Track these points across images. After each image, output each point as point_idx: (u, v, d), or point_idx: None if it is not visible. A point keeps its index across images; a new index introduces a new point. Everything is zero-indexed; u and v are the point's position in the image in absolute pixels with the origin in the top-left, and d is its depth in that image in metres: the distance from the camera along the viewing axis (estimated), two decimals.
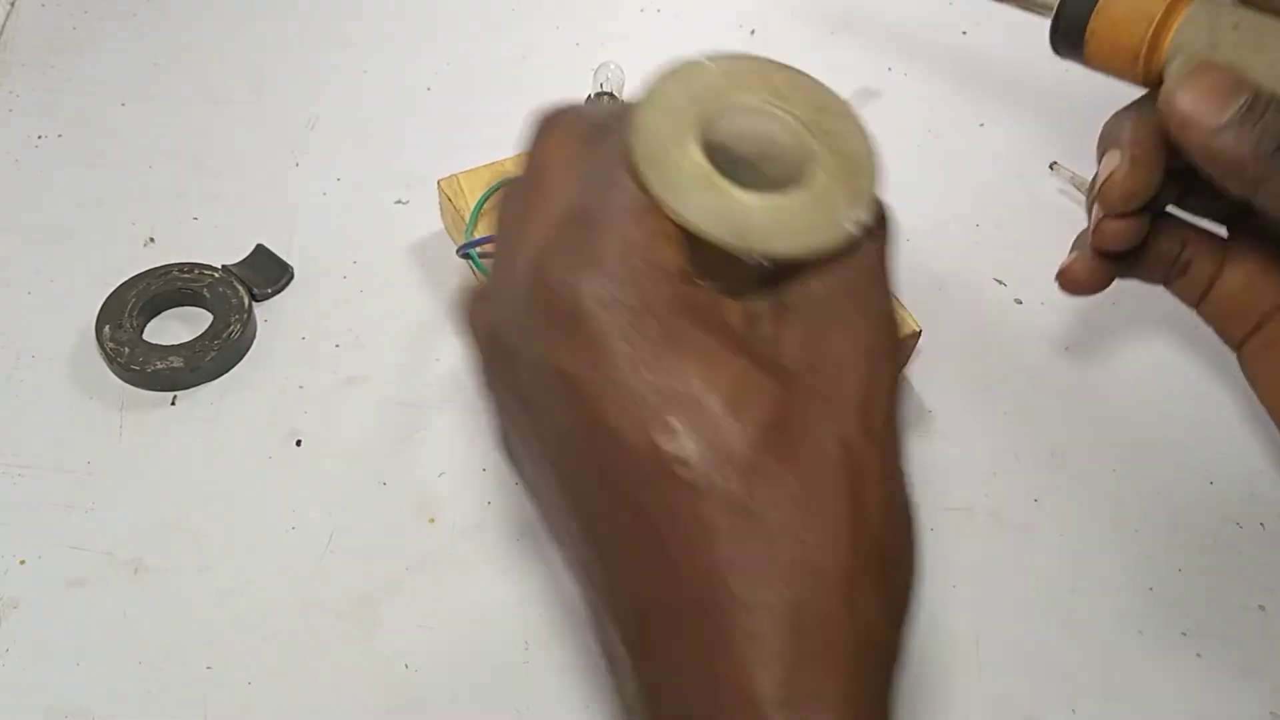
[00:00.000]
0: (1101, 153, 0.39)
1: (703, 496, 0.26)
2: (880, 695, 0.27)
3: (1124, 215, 0.38)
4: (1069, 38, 0.39)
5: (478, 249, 0.49)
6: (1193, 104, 0.34)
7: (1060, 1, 0.39)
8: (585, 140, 0.30)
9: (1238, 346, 0.41)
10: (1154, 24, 0.37)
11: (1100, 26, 0.38)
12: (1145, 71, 0.37)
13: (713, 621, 0.26)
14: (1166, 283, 0.42)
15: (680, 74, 0.30)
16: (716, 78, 0.31)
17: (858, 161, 0.30)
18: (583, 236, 0.28)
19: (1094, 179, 0.39)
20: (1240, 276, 0.41)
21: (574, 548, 0.29)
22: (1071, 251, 0.41)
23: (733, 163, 0.29)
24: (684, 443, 0.26)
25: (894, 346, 0.29)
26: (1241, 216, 0.41)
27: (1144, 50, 0.37)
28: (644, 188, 0.28)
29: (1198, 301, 0.42)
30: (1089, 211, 0.40)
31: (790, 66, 0.31)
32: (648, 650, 0.27)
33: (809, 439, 0.27)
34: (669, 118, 0.29)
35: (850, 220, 0.29)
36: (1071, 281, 0.41)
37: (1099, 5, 0.38)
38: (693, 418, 0.26)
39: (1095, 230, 0.39)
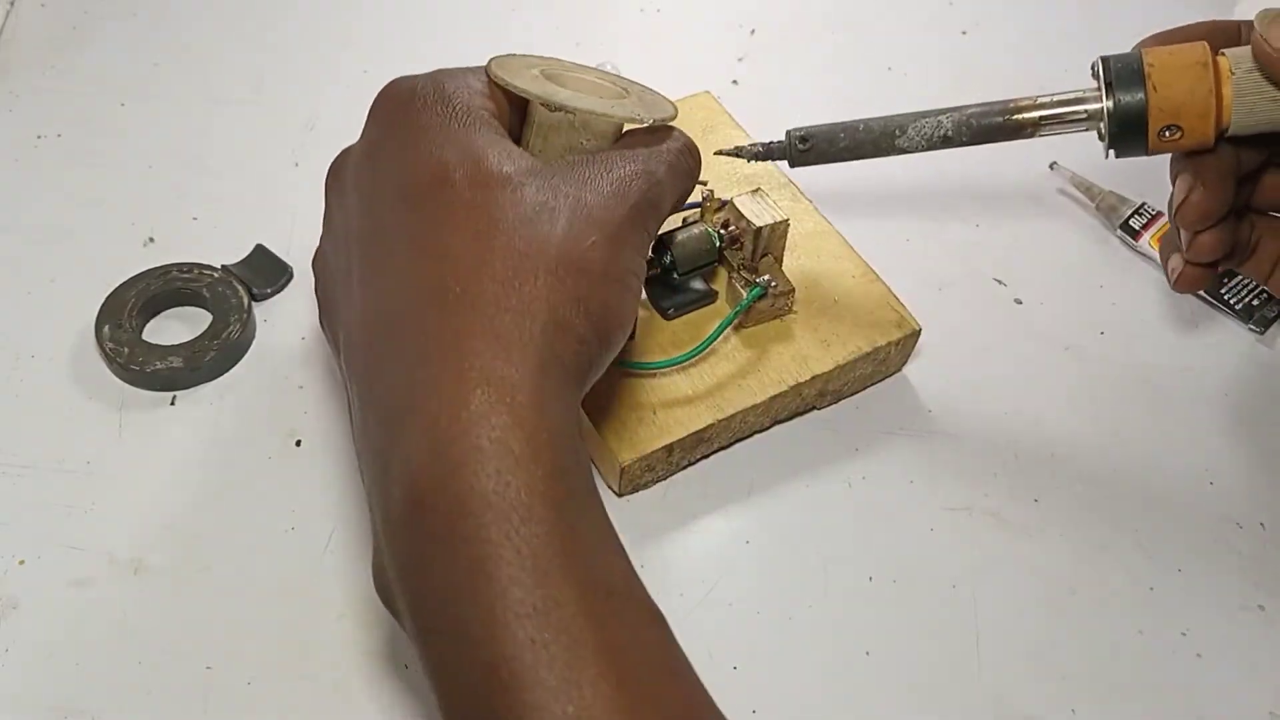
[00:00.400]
0: (1175, 175, 0.44)
1: (444, 204, 0.35)
2: (563, 362, 0.34)
3: (1206, 229, 0.43)
4: (1129, 140, 0.41)
5: None
6: None
7: (1113, 116, 0.41)
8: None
9: None
10: (1212, 92, 0.40)
11: (1160, 115, 0.40)
12: (1217, 133, 0.41)
13: (429, 298, 0.34)
14: (1240, 265, 0.47)
15: (519, 54, 0.42)
16: (549, 60, 0.43)
17: (661, 104, 0.42)
18: (432, 77, 0.38)
19: (1170, 201, 0.44)
20: None
21: (344, 274, 0.37)
22: (1170, 258, 0.46)
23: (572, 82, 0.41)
24: (447, 172, 0.35)
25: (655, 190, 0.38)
26: None
27: (1213, 117, 0.40)
28: (488, 70, 0.39)
29: (1267, 277, 0.46)
30: (1172, 225, 0.45)
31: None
32: (374, 334, 0.35)
33: (543, 190, 0.36)
34: (516, 61, 0.41)
35: (647, 118, 0.40)
36: (1187, 283, 0.46)
37: (1151, 103, 0.40)
38: (459, 160, 0.36)
39: (1190, 246, 0.44)
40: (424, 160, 0.36)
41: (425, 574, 0.31)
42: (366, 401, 0.34)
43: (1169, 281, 0.46)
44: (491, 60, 0.40)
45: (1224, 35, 0.42)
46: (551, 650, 0.29)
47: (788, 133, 0.46)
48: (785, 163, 0.46)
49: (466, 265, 0.34)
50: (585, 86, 0.41)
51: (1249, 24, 0.41)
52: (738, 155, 0.47)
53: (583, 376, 0.35)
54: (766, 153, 0.46)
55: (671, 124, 0.41)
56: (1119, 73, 0.41)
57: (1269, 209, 0.46)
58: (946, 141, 0.44)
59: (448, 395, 0.32)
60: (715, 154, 0.48)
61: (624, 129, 0.41)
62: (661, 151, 0.40)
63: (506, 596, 0.29)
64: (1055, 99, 0.43)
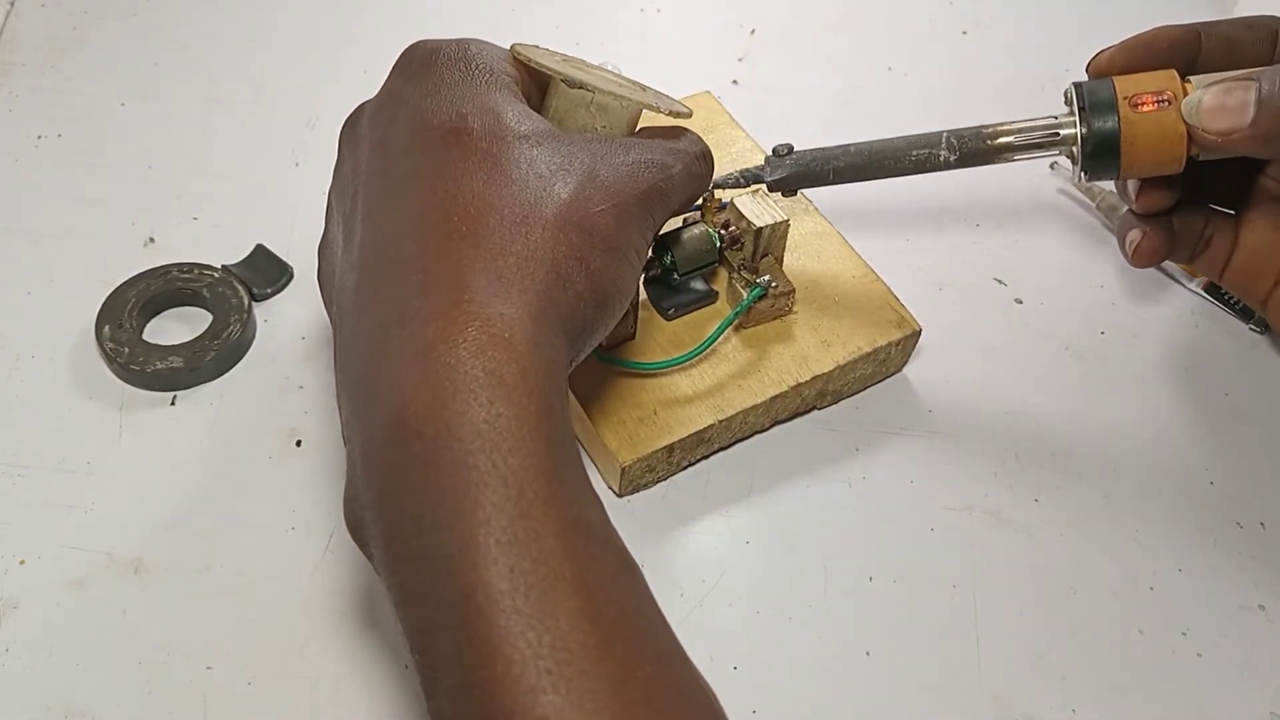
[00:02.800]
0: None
1: (460, 150, 0.36)
2: (559, 310, 0.34)
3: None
4: (1100, 166, 0.43)
5: None
6: (1229, 121, 0.40)
7: (1086, 143, 0.42)
8: None
9: (1263, 303, 0.46)
10: (1183, 137, 0.41)
11: (1133, 150, 0.42)
12: (1187, 158, 0.42)
13: (433, 234, 0.34)
14: (1192, 259, 0.47)
15: (542, 46, 0.43)
16: (571, 58, 0.44)
17: (677, 105, 0.43)
18: (458, 41, 0.40)
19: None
20: (1255, 241, 0.46)
21: (348, 215, 0.37)
22: (1127, 233, 0.47)
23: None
24: (465, 121, 0.37)
25: (667, 181, 0.39)
26: (1245, 194, 0.46)
27: (1184, 150, 0.42)
28: (514, 54, 0.41)
29: (1221, 272, 0.47)
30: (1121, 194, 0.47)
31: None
32: (376, 267, 0.35)
33: (560, 153, 0.37)
34: (539, 50, 0.42)
35: (665, 109, 0.41)
36: (1144, 256, 0.46)
37: (1125, 132, 0.42)
38: (478, 113, 0.37)
39: (1139, 197, 0.45)
40: (442, 109, 0.37)
41: (405, 499, 0.31)
42: (355, 331, 0.35)
43: (1127, 257, 0.47)
44: (514, 44, 0.42)
45: (1185, 49, 0.43)
46: (529, 580, 0.29)
47: (767, 159, 0.46)
48: (768, 191, 0.47)
49: (475, 207, 0.35)
50: (604, 80, 0.42)
51: (1209, 30, 0.42)
52: (719, 187, 0.47)
53: (576, 334, 0.35)
54: (748, 181, 0.47)
55: (685, 126, 0.42)
56: (1093, 104, 0.42)
57: (1214, 201, 0.47)
58: (926, 169, 0.45)
59: (443, 323, 0.32)
60: None
61: (639, 124, 0.42)
62: (678, 150, 0.40)
63: (489, 524, 0.29)
64: (1029, 125, 0.44)
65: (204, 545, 0.44)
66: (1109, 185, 0.58)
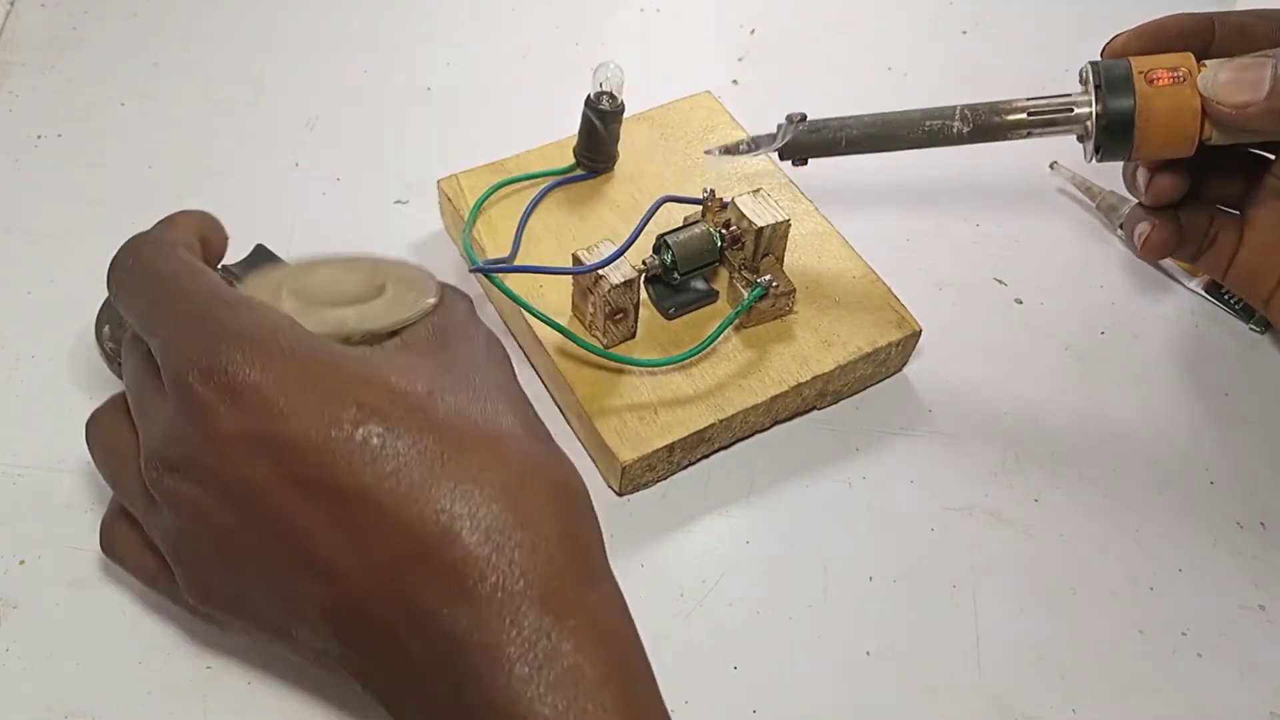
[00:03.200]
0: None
1: (389, 463, 0.32)
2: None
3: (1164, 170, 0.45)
4: (1114, 143, 0.43)
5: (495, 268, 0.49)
6: (1245, 94, 0.40)
7: (1100, 121, 0.42)
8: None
9: (1266, 301, 0.47)
10: (1197, 114, 0.41)
11: (1147, 126, 0.42)
12: (1197, 145, 0.42)
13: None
14: (1197, 258, 0.48)
15: (262, 271, 0.41)
16: (292, 268, 0.41)
17: (416, 278, 0.40)
18: (201, 332, 0.34)
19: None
20: (1260, 239, 0.46)
21: (292, 573, 0.33)
22: (1135, 225, 0.47)
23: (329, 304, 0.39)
24: (365, 428, 0.32)
25: (500, 348, 0.38)
26: (1250, 194, 0.47)
27: (1197, 133, 0.42)
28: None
29: (1225, 270, 0.47)
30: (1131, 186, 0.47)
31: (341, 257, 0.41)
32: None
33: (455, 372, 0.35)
34: (259, 282, 0.39)
35: (419, 303, 0.38)
36: (1154, 247, 0.47)
37: (1140, 106, 0.42)
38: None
39: (1149, 189, 0.45)
40: (327, 420, 0.32)
41: None
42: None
43: (1136, 249, 0.47)
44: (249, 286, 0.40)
45: (1198, 37, 0.44)
46: None
47: (780, 125, 0.46)
48: (779, 159, 0.46)
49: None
50: (338, 287, 0.40)
51: (1222, 19, 0.42)
52: (730, 153, 0.47)
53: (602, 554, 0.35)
54: (760, 146, 0.46)
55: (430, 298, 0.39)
56: (1109, 80, 0.42)
57: (1219, 200, 0.47)
58: (939, 141, 0.45)
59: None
60: (705, 152, 0.48)
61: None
62: (460, 307, 0.39)
63: None
64: (1044, 102, 0.44)
65: None
66: (1109, 185, 0.58)
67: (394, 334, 0.37)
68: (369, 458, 0.32)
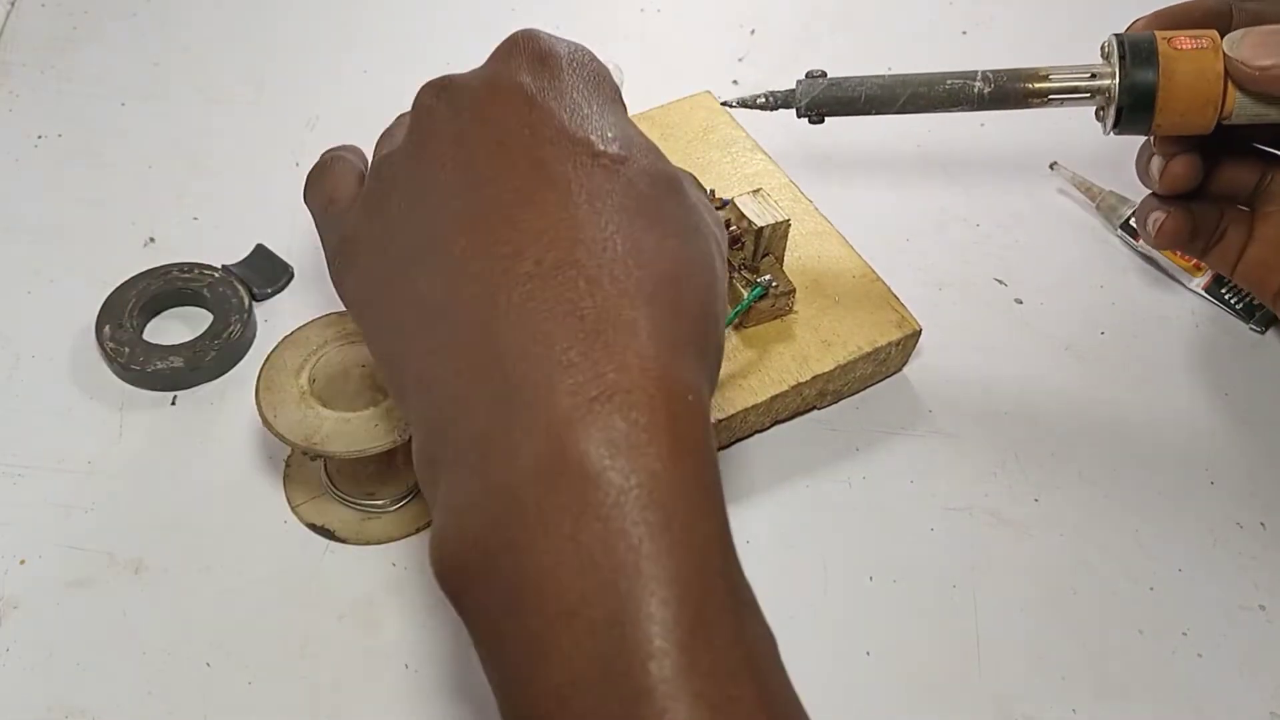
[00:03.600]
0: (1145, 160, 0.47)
1: (614, 178, 0.33)
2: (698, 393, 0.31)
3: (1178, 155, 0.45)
4: (1135, 111, 0.42)
5: None
6: (1272, 56, 0.40)
7: (1123, 93, 0.42)
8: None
9: (1273, 297, 0.47)
10: (1220, 79, 0.41)
11: (1170, 89, 0.42)
12: (1218, 117, 0.42)
13: (564, 277, 0.31)
14: (1206, 253, 0.48)
15: (321, 321, 0.45)
16: (342, 326, 0.45)
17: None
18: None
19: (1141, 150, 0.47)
20: (1271, 234, 0.46)
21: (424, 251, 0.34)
22: (1148, 215, 0.47)
23: (338, 381, 0.43)
24: (616, 145, 0.34)
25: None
26: (1261, 190, 0.47)
27: (1218, 108, 0.41)
28: (257, 402, 0.42)
29: (1232, 267, 0.48)
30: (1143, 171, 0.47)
31: None
32: (453, 372, 0.31)
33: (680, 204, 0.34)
34: (296, 351, 0.44)
35: (399, 432, 0.41)
36: (1168, 236, 0.47)
37: (1164, 68, 0.42)
38: (624, 134, 0.34)
39: (1163, 176, 0.45)
40: (589, 126, 0.34)
41: (564, 548, 0.28)
42: (471, 355, 0.31)
43: (1150, 238, 0.47)
44: (261, 378, 0.43)
45: (1217, 20, 0.43)
46: (705, 667, 0.27)
47: (799, 80, 0.45)
48: (796, 115, 0.46)
49: (646, 256, 0.32)
50: (340, 364, 0.44)
51: (1239, 4, 0.43)
52: (746, 106, 0.46)
53: (714, 388, 0.34)
54: (778, 102, 0.46)
55: None
56: (1134, 52, 0.42)
57: (1226, 195, 0.48)
58: (959, 101, 0.44)
59: (621, 373, 0.29)
60: (722, 103, 0.48)
61: None
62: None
63: (667, 594, 0.27)
64: (1067, 69, 0.43)
65: (204, 545, 0.44)
66: (1109, 185, 0.58)
67: None
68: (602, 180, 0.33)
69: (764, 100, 0.46)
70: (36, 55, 0.62)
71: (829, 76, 0.45)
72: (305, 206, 0.42)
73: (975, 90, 0.43)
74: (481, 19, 0.66)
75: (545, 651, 0.28)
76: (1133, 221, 0.56)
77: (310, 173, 0.42)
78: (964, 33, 0.68)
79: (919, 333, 0.50)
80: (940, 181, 0.60)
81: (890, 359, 0.50)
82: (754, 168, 0.55)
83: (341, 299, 0.38)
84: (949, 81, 0.44)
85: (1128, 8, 0.46)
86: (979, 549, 0.46)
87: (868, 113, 0.44)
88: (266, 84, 0.62)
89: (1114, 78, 0.42)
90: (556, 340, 0.30)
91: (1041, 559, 0.46)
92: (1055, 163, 0.59)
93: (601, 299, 0.30)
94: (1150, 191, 0.47)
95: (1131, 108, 0.42)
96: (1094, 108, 0.44)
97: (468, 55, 0.65)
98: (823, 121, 0.46)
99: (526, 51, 0.35)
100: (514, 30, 0.37)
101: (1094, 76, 0.43)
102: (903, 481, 0.48)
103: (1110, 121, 0.43)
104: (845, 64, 0.65)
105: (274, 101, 0.61)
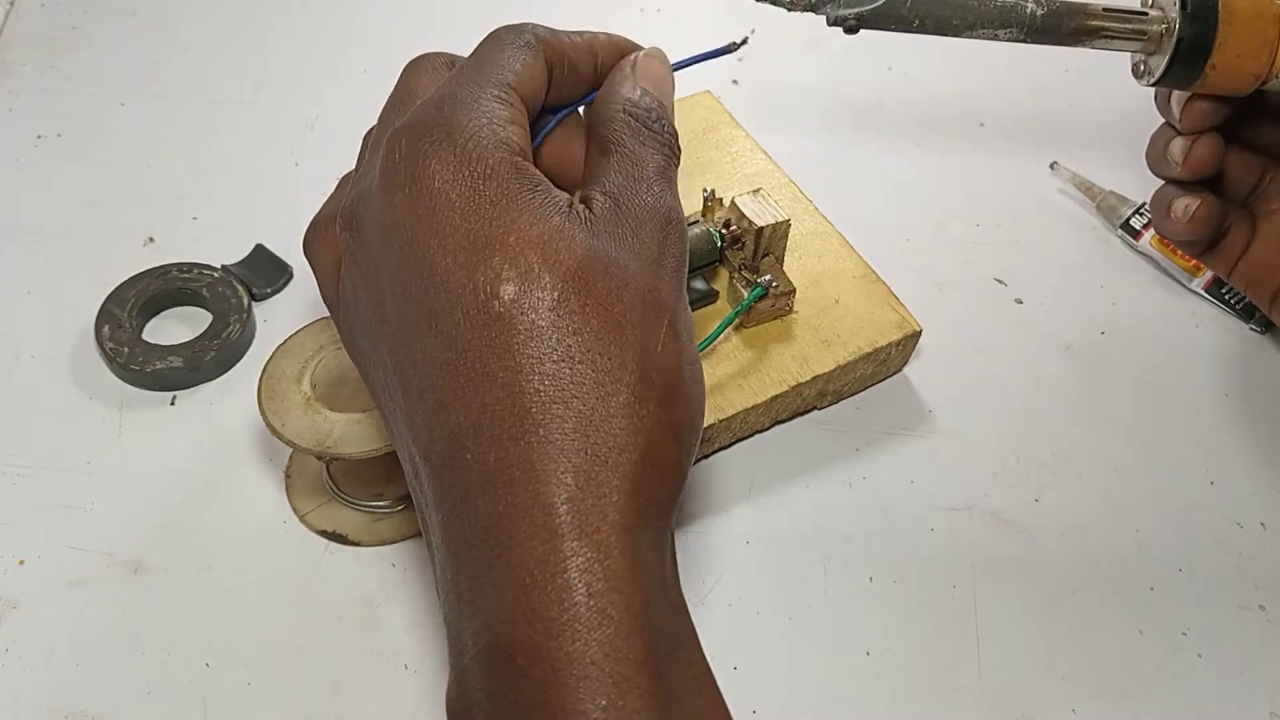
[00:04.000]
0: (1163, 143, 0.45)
1: (512, 327, 0.31)
2: (658, 503, 0.32)
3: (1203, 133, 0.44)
4: (1184, 69, 0.41)
5: None
6: None
7: (1181, 39, 0.40)
8: (448, 65, 0.38)
9: (1270, 300, 0.47)
10: (1273, 44, 0.40)
11: (1228, 37, 0.40)
12: (1260, 82, 0.41)
13: (510, 436, 0.31)
14: (1208, 253, 0.48)
15: (313, 327, 0.45)
16: (334, 330, 0.44)
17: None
18: (443, 114, 0.33)
19: (1154, 136, 0.45)
20: (1272, 234, 0.46)
21: (392, 385, 0.33)
22: (1173, 202, 0.46)
23: (337, 385, 0.43)
24: (503, 285, 0.31)
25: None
26: (1265, 190, 0.47)
27: (1269, 65, 0.40)
28: (262, 412, 0.42)
29: (1232, 267, 0.47)
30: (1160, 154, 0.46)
31: None
32: (449, 467, 0.32)
33: (610, 283, 0.32)
34: (293, 358, 0.44)
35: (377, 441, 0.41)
36: (1201, 222, 0.45)
37: (1223, 16, 0.40)
38: (512, 262, 0.31)
39: (1186, 160, 0.44)
40: (464, 265, 0.31)
41: None
42: (447, 522, 0.32)
43: (1178, 227, 0.45)
44: (263, 386, 0.43)
45: None
46: None
47: None
48: (827, 23, 0.43)
49: (544, 398, 0.31)
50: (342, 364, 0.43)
51: None
52: (774, 3, 0.43)
53: (671, 506, 0.33)
54: (806, 4, 0.43)
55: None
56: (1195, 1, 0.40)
57: (1227, 196, 0.47)
58: (1010, 20, 0.41)
59: (541, 552, 0.30)
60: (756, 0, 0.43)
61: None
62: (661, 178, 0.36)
63: None
64: (1123, 8, 0.41)
65: (204, 545, 0.44)
66: (1109, 185, 0.58)
67: None
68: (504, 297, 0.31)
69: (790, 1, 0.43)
70: (36, 55, 0.62)
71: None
72: (307, 208, 0.42)
73: (1028, 11, 0.40)
74: (481, 19, 0.66)
75: None
76: (1133, 221, 0.56)
77: (307, 232, 0.40)
78: None
79: (919, 333, 0.50)
80: (940, 181, 0.60)
81: (890, 359, 0.50)
82: (754, 168, 0.55)
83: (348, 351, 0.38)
84: (999, 4, 0.40)
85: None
86: (979, 549, 0.46)
87: (910, 26, 0.41)
88: (266, 84, 0.62)
89: (1176, 10, 0.40)
90: (489, 521, 0.31)
91: (1041, 559, 0.46)
92: (1055, 163, 0.59)
93: (513, 460, 0.31)
94: (1165, 181, 0.46)
95: (1190, 49, 0.40)
96: (1139, 57, 0.42)
97: (467, 55, 0.65)
98: (856, 32, 0.42)
99: (402, 171, 0.33)
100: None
101: (1148, 13, 0.41)
102: (903, 481, 0.48)
103: (1161, 68, 0.41)
104: (845, 64, 0.65)
105: (273, 101, 0.61)
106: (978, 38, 0.41)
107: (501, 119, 0.33)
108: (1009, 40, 0.41)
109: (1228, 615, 0.45)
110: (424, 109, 0.34)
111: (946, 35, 0.41)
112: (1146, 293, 0.56)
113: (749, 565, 0.45)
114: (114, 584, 0.43)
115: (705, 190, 0.50)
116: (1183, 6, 0.41)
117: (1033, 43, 0.41)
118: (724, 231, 0.48)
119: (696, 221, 0.49)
